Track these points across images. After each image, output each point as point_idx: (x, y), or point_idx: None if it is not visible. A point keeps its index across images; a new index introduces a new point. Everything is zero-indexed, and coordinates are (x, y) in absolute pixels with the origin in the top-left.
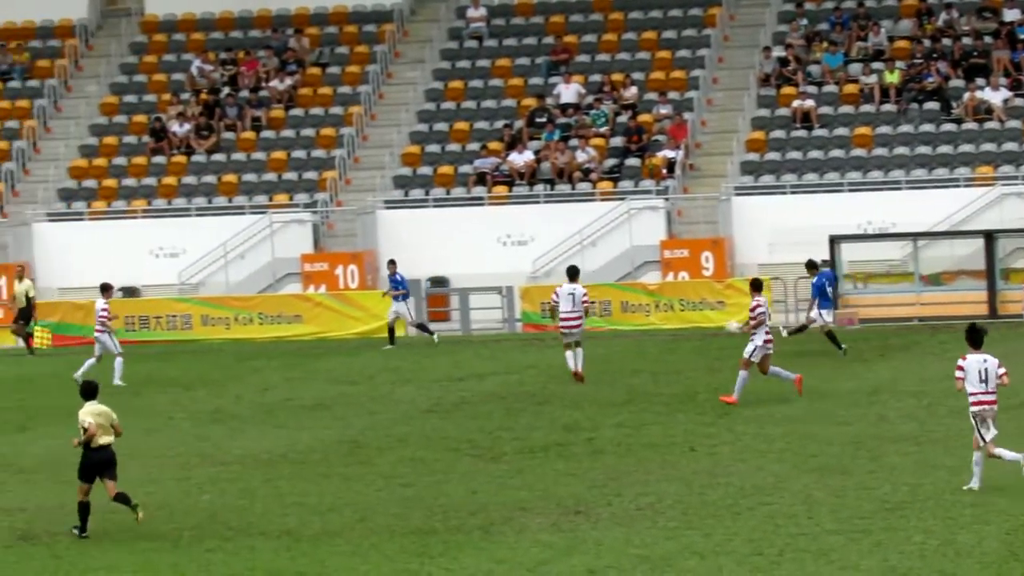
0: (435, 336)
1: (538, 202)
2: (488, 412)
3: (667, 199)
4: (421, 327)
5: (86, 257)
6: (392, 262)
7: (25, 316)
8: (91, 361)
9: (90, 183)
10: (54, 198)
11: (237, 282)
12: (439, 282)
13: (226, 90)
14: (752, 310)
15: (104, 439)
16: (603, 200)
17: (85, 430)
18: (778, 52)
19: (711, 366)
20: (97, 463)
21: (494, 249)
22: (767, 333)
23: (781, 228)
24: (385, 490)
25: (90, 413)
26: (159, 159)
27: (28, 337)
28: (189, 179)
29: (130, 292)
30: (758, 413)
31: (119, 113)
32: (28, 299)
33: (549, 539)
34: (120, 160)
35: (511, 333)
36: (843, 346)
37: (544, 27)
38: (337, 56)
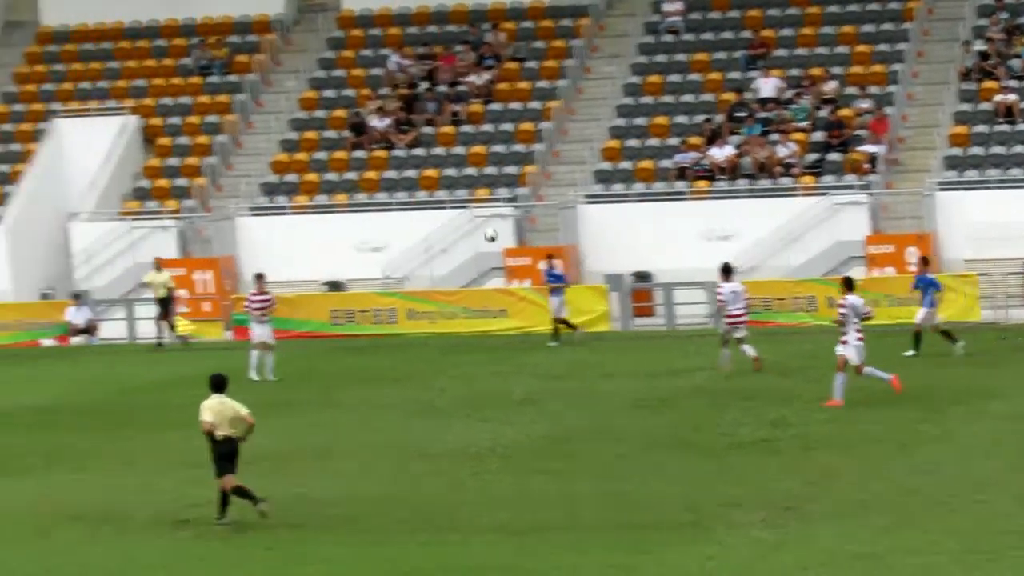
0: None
1: (740, 197)
2: (694, 407)
3: (870, 194)
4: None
5: (288, 251)
6: (550, 256)
7: (165, 306)
8: (256, 353)
9: (292, 177)
10: (256, 192)
11: (441, 276)
12: (643, 277)
13: (424, 85)
14: (839, 307)
15: (225, 432)
16: (805, 195)
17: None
18: (978, 46)
19: (920, 362)
20: (222, 455)
21: (696, 244)
22: (858, 331)
23: (986, 223)
24: (593, 485)
25: (209, 408)
26: (359, 153)
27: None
28: (390, 174)
29: (335, 286)
30: (969, 409)
31: (318, 108)
32: (168, 290)
33: (760, 535)
34: (320, 155)
35: (715, 328)
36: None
37: (741, 21)
38: (534, 51)
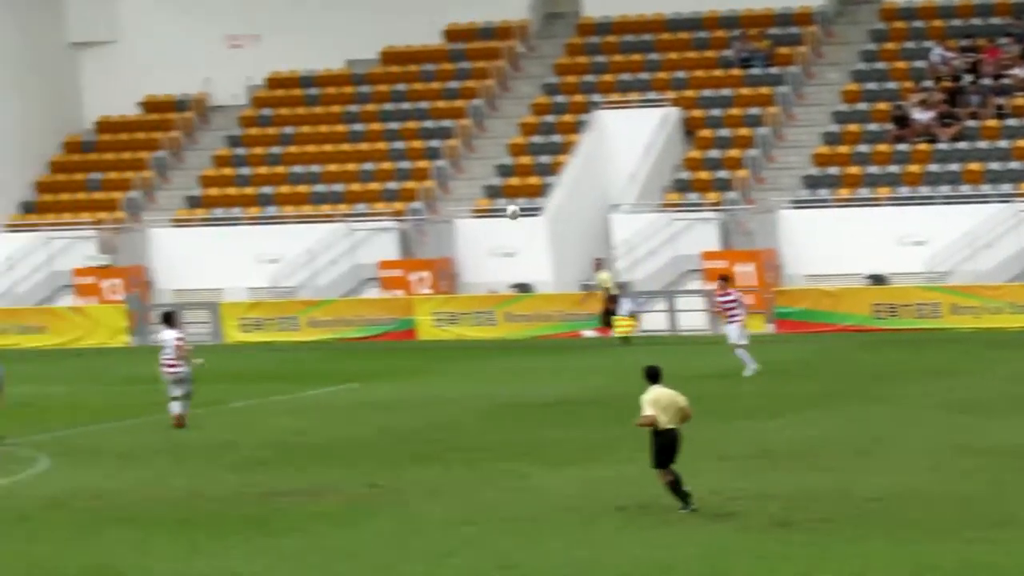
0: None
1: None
2: None
3: None
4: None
5: (830, 245)
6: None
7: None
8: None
9: (833, 170)
10: (798, 185)
11: (986, 271)
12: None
13: (968, 78)
14: None
15: (667, 424)
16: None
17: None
18: None
19: None
20: (663, 447)
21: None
22: None
23: None
24: None
25: (649, 400)
26: (902, 147)
27: (608, 327)
28: (932, 167)
29: (877, 280)
30: None
31: (860, 100)
32: (609, 289)
33: None
34: (863, 148)
35: None
36: None
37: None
38: None
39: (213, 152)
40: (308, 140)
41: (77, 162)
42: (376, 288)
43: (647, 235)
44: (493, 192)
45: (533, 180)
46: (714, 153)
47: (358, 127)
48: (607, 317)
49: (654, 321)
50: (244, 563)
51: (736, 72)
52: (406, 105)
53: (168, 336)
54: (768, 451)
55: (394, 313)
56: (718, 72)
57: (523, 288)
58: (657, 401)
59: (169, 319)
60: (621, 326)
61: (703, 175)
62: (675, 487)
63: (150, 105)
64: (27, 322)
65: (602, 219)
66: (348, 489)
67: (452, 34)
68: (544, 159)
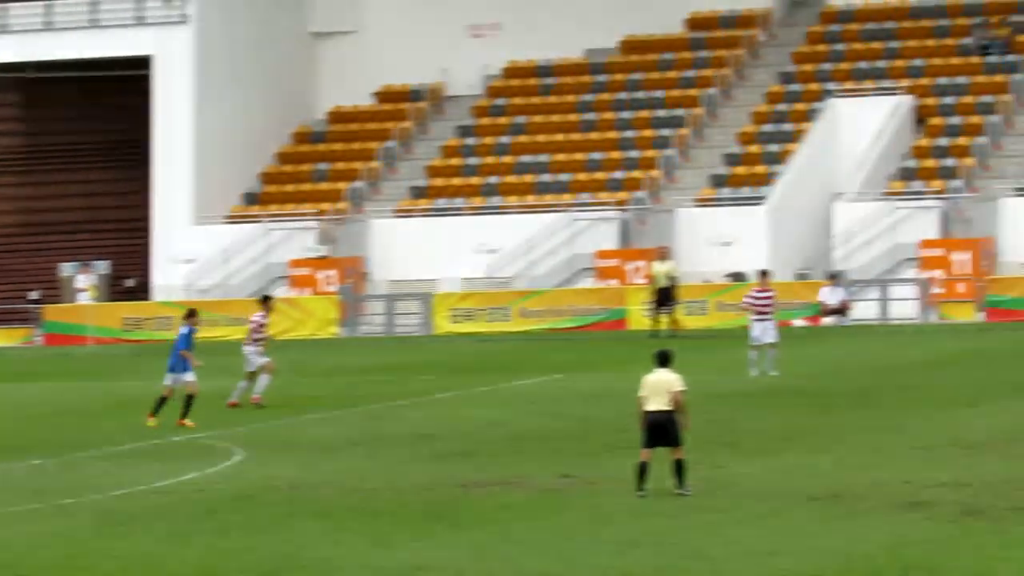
0: None
1: None
2: None
3: None
4: None
5: None
6: None
7: (665, 298)
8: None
9: None
10: (1023, 173)
11: None
12: None
13: None
14: None
15: (653, 405)
16: None
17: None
18: None
19: None
20: (647, 428)
21: None
22: None
23: None
24: None
25: (645, 381)
26: None
27: (675, 320)
28: None
29: None
30: None
31: None
32: (671, 279)
33: None
34: None
35: None
36: None
37: None
38: None
39: (443, 142)
40: (539, 130)
41: (305, 152)
42: (591, 278)
43: (868, 223)
44: (718, 181)
45: (760, 169)
46: (943, 141)
47: (591, 117)
48: (657, 307)
49: (866, 310)
50: (431, 555)
51: (974, 60)
52: (641, 94)
53: (254, 317)
54: (963, 439)
55: (607, 303)
56: (956, 60)
57: (737, 277)
58: (648, 384)
59: (264, 301)
60: (665, 321)
61: (929, 163)
62: (641, 469)
63: (385, 95)
64: (238, 313)
65: (825, 208)
66: (540, 480)
67: (694, 23)
68: (773, 148)
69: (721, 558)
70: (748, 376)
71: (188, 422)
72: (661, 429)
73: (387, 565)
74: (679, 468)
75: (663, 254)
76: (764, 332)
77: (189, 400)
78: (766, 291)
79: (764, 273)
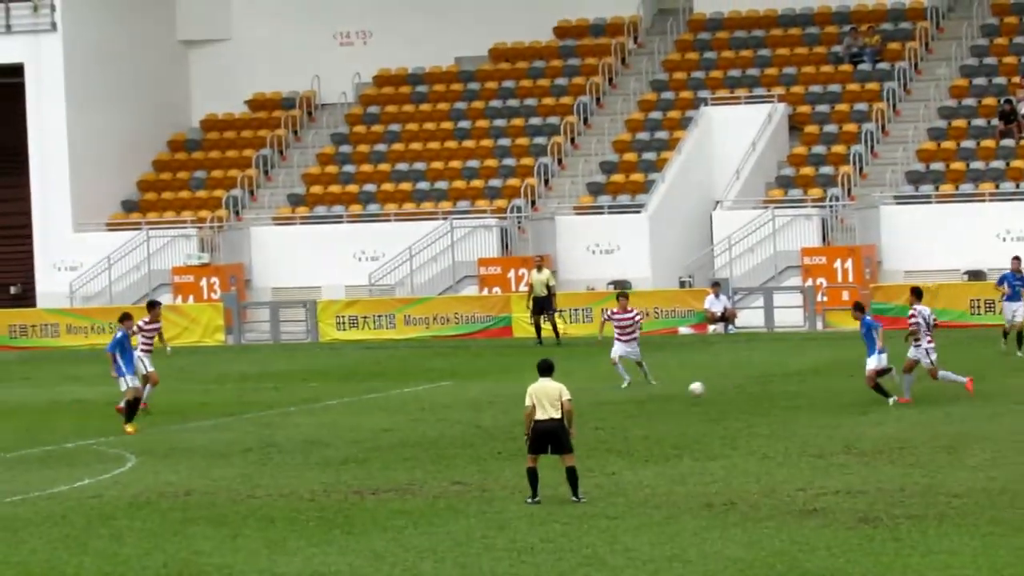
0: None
1: None
2: None
3: None
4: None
5: (931, 240)
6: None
7: (543, 306)
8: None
9: (937, 166)
10: (901, 180)
11: None
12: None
13: None
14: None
15: (542, 413)
16: None
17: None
18: None
19: None
20: (536, 435)
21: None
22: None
23: None
24: None
25: (530, 392)
26: (1008, 142)
27: (554, 327)
28: None
29: (975, 276)
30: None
31: (968, 96)
32: (548, 288)
33: None
34: (968, 143)
35: None
36: None
37: None
38: None
39: (318, 150)
40: (414, 138)
41: (181, 161)
42: (474, 286)
43: (748, 231)
44: (596, 189)
45: (636, 177)
46: (819, 149)
47: (464, 124)
48: (537, 316)
49: (750, 318)
50: (328, 561)
51: (845, 68)
52: (513, 102)
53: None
54: (856, 447)
55: (490, 310)
56: (827, 68)
57: (621, 285)
58: (534, 393)
59: (151, 308)
60: (547, 329)
61: (807, 171)
62: (532, 475)
63: (257, 103)
64: None
65: (704, 215)
66: (433, 487)
67: (562, 31)
68: (649, 156)
69: (620, 566)
70: (621, 386)
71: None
72: (551, 436)
73: (285, 571)
74: (572, 476)
75: (540, 263)
76: (629, 352)
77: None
78: (627, 312)
79: (622, 296)
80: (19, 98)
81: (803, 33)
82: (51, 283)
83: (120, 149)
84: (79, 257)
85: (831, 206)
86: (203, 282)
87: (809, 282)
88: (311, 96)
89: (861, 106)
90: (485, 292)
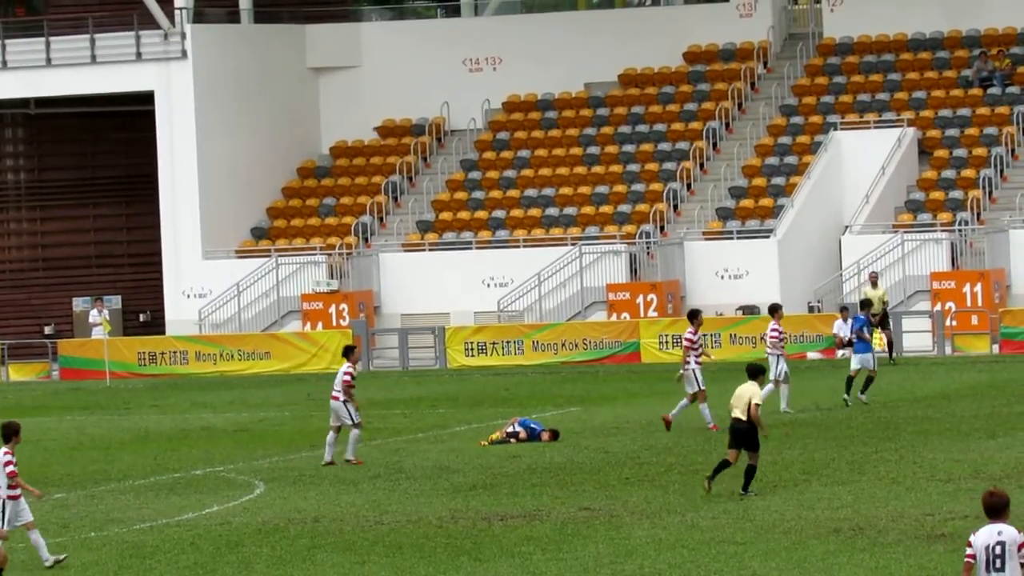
0: None
1: None
2: None
3: None
4: None
5: None
6: None
7: (879, 322)
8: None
9: None
10: None
11: None
12: None
13: None
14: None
15: (737, 415)
16: None
17: None
18: None
19: None
20: (732, 433)
21: None
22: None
23: None
24: None
25: (735, 393)
26: None
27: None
28: None
29: None
30: None
31: None
32: (884, 303)
33: None
34: None
35: None
36: None
37: None
38: None
39: (447, 176)
40: (543, 163)
41: (310, 187)
42: (603, 311)
43: (878, 256)
44: (725, 214)
45: (766, 202)
46: (948, 173)
47: (593, 150)
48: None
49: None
50: None
51: (975, 92)
52: (642, 127)
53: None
54: (984, 472)
55: (619, 336)
56: (957, 92)
57: (750, 310)
58: (735, 394)
59: (346, 352)
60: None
61: (936, 195)
62: (720, 464)
63: (386, 130)
64: (252, 348)
65: (833, 240)
66: (561, 513)
67: (692, 56)
68: (778, 180)
69: None
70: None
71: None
72: (741, 436)
73: None
74: (748, 472)
75: (875, 279)
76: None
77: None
78: (694, 337)
79: (774, 308)
80: (149, 126)
81: (933, 57)
82: (180, 310)
83: (249, 176)
84: (208, 284)
85: (960, 230)
86: (332, 309)
87: (938, 306)
88: (440, 122)
89: (991, 130)
90: (614, 318)
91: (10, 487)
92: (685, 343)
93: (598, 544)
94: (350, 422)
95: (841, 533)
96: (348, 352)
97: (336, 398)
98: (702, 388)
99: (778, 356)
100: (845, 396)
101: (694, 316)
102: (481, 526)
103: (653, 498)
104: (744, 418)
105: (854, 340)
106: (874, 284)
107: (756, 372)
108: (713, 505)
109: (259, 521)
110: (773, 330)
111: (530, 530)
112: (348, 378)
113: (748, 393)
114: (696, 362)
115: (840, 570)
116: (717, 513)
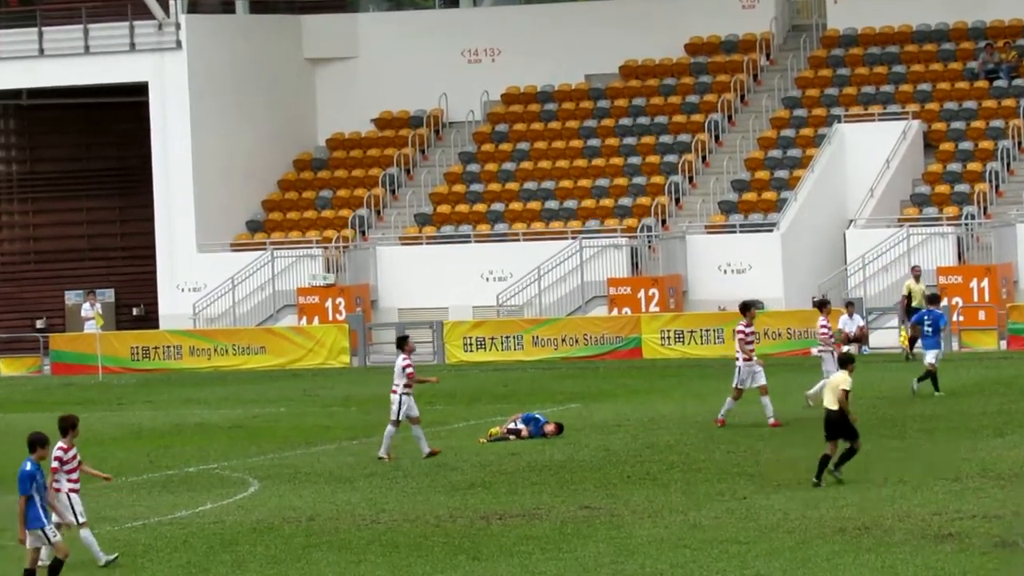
0: None
1: None
2: None
3: None
4: None
5: None
6: None
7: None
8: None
9: None
10: None
11: None
12: None
13: None
14: None
15: (828, 404)
16: None
17: None
18: None
19: None
20: (825, 424)
21: None
22: None
23: None
24: None
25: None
26: None
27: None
28: None
29: None
30: None
31: None
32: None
33: None
34: None
35: None
36: None
37: None
38: None
39: (445, 169)
40: (542, 156)
41: (306, 180)
42: (604, 306)
43: (882, 250)
44: (727, 208)
45: (768, 195)
46: (954, 166)
47: (594, 142)
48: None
49: (884, 338)
50: None
51: (980, 84)
52: (644, 120)
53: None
54: (992, 470)
55: (620, 331)
56: (962, 84)
57: (753, 305)
58: (831, 383)
59: (400, 343)
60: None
61: (942, 189)
62: (821, 460)
63: (383, 122)
64: (247, 342)
65: (837, 234)
66: (561, 512)
67: (694, 47)
68: (781, 174)
69: None
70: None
71: None
72: (834, 425)
73: None
74: (846, 454)
75: (918, 272)
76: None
77: None
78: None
79: (822, 304)
80: (143, 117)
81: (938, 49)
82: (174, 304)
83: (245, 168)
84: (203, 278)
85: (967, 224)
86: (328, 303)
87: (945, 301)
88: (438, 114)
89: (997, 123)
90: (615, 312)
91: (69, 480)
92: (738, 336)
93: (598, 543)
94: (395, 418)
95: (846, 532)
96: (402, 343)
97: (406, 392)
98: (745, 386)
99: (831, 352)
100: (936, 392)
101: (747, 308)
102: (479, 525)
103: (655, 497)
104: (835, 408)
105: (927, 333)
106: (917, 278)
107: (845, 361)
108: (716, 504)
109: (253, 519)
110: (823, 326)
111: (529, 529)
112: (412, 369)
113: (837, 382)
114: (748, 357)
115: (845, 570)
116: (720, 512)
